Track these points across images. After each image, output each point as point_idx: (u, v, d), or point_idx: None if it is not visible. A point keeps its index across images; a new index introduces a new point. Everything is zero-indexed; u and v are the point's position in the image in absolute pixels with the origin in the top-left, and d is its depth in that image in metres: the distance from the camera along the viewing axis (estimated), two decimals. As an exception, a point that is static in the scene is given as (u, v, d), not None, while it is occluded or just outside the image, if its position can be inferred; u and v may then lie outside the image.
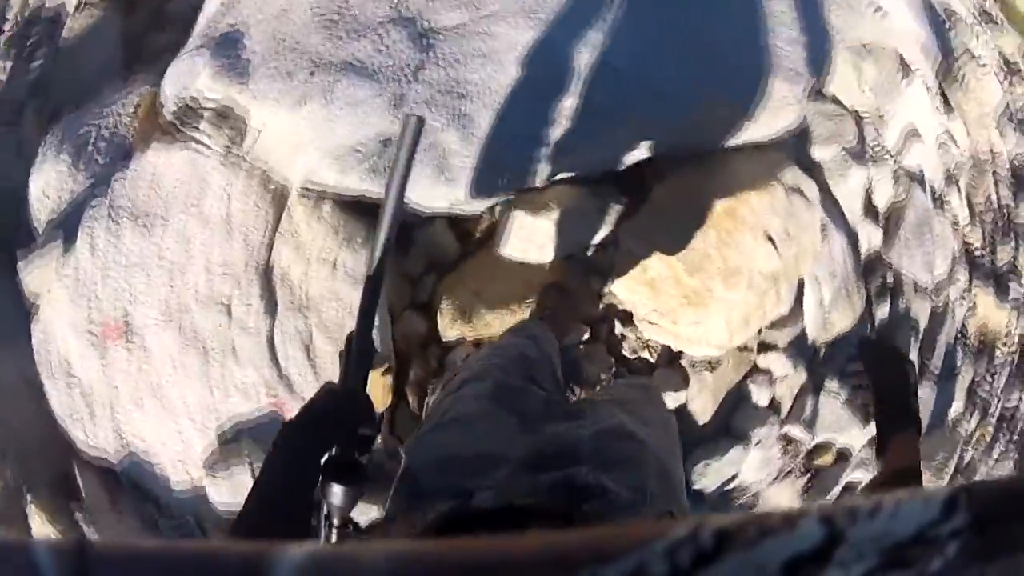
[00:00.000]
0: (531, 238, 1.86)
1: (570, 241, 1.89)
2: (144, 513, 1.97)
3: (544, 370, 1.29)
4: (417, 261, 1.99)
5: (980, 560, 0.24)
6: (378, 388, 1.97)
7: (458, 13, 1.70)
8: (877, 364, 1.16)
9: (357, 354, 0.95)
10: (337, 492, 0.96)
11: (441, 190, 1.66)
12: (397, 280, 1.94)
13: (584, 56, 1.68)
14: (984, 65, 2.26)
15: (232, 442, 1.89)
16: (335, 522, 0.95)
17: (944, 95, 2.22)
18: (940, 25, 2.20)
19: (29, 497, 1.84)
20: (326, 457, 0.93)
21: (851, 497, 0.29)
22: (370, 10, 1.69)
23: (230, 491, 1.85)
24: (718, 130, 1.83)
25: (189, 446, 1.87)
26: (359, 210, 1.77)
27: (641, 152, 1.80)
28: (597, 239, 1.93)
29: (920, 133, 2.17)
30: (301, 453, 0.92)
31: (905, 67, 2.11)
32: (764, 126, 1.83)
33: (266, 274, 1.81)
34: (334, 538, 0.96)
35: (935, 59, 2.14)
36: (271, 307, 1.79)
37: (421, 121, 0.85)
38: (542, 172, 1.73)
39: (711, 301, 1.84)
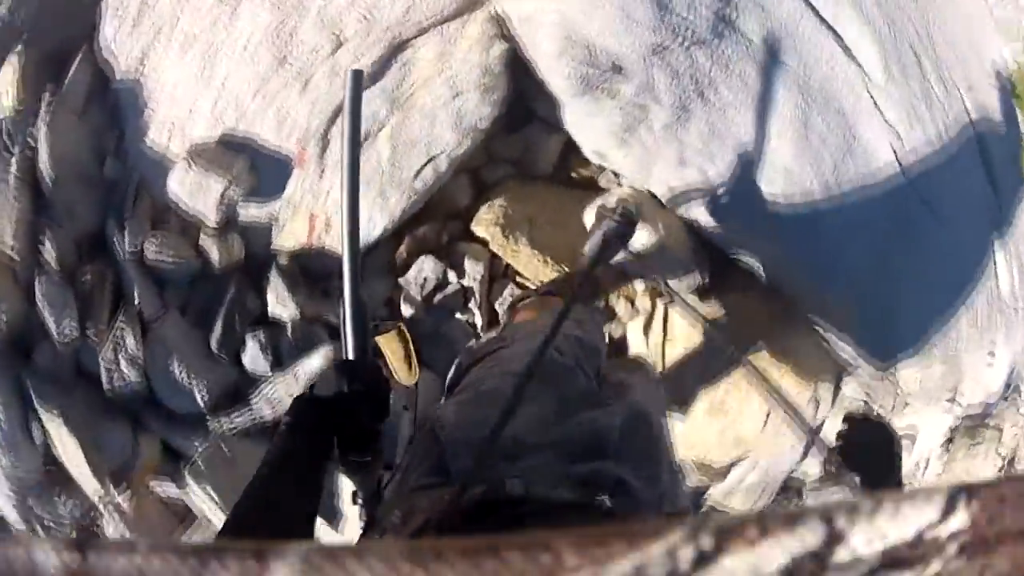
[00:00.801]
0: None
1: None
2: (101, 140, 2.18)
3: (592, 358, 1.33)
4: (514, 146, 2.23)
5: (980, 560, 0.24)
6: (397, 358, 2.10)
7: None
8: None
9: (352, 314, 0.99)
10: (351, 463, 1.02)
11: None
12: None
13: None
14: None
15: (231, 150, 2.06)
16: (359, 497, 1.00)
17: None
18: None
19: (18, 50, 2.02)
20: (342, 432, 0.99)
21: (852, 498, 0.24)
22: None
23: (189, 190, 2.09)
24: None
25: (193, 120, 2.04)
26: (514, 76, 1.92)
27: (771, 272, 2.03)
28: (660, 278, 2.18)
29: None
30: (312, 429, 0.96)
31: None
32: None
33: (397, 48, 1.92)
34: (362, 512, 1.03)
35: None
36: (373, 77, 1.92)
37: (359, 74, 0.95)
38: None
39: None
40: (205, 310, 2.26)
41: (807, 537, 0.24)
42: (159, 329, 2.24)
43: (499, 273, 2.28)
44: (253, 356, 2.21)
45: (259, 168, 2.12)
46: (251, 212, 2.16)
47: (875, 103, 1.70)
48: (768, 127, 1.73)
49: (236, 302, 2.20)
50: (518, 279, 2.27)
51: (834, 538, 0.24)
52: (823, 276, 1.91)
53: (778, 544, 0.24)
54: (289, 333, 2.17)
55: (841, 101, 1.68)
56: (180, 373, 2.22)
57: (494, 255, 2.25)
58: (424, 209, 2.18)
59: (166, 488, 2.53)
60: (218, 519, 2.25)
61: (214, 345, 2.22)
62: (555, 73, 1.74)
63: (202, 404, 2.25)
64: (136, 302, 2.22)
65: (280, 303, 2.13)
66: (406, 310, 2.23)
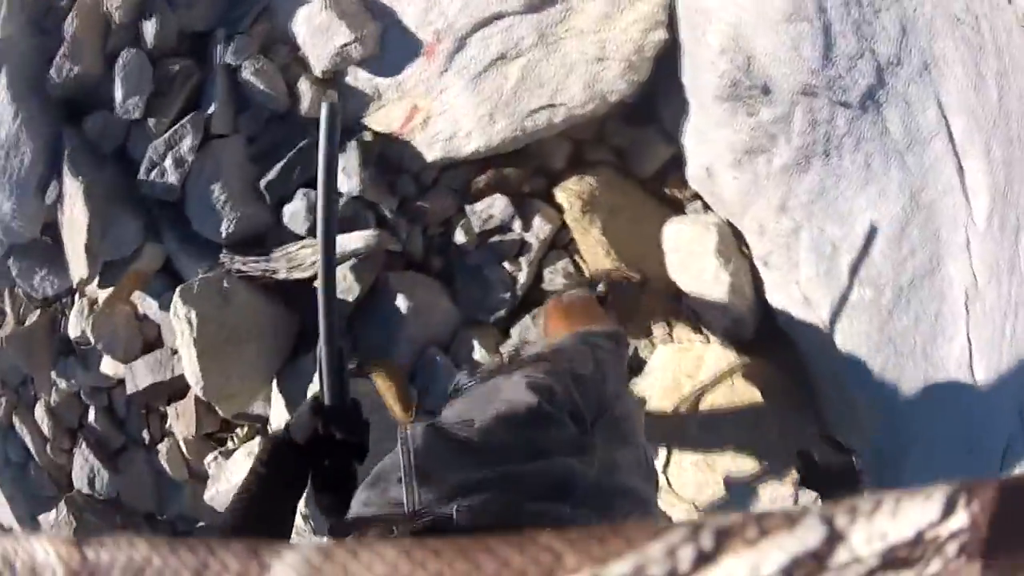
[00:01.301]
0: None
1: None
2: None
3: (589, 397, 1.30)
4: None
5: (980, 560, 0.24)
6: (392, 395, 2.28)
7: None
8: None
9: (327, 360, 1.03)
10: (325, 503, 1.09)
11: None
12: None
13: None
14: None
15: (370, 11, 2.26)
16: (326, 528, 1.04)
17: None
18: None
19: None
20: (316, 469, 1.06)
21: (852, 497, 0.27)
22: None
23: (314, 30, 2.27)
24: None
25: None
26: (657, 69, 2.06)
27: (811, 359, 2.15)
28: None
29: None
30: (287, 472, 1.03)
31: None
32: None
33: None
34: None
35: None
36: (532, 7, 2.06)
37: (335, 107, 0.95)
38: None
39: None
40: (270, 150, 2.34)
41: (807, 537, 0.25)
42: (219, 146, 2.33)
43: (561, 244, 2.38)
44: (295, 212, 2.30)
45: (387, 41, 2.21)
46: (359, 78, 2.26)
47: (968, 243, 1.75)
48: (870, 214, 1.79)
49: (304, 154, 2.28)
50: (576, 257, 2.36)
51: (834, 538, 0.25)
52: (854, 381, 1.97)
53: (778, 544, 0.25)
54: (339, 205, 2.25)
55: (940, 225, 1.74)
56: (218, 195, 2.31)
57: (564, 225, 2.34)
58: (518, 152, 2.28)
59: (148, 305, 2.59)
60: (187, 353, 2.32)
61: (263, 184, 2.31)
62: (709, 68, 1.82)
63: (223, 234, 2.34)
64: (210, 111, 2.31)
65: (345, 174, 2.22)
66: (459, 236, 2.33)
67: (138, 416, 2.85)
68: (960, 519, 0.25)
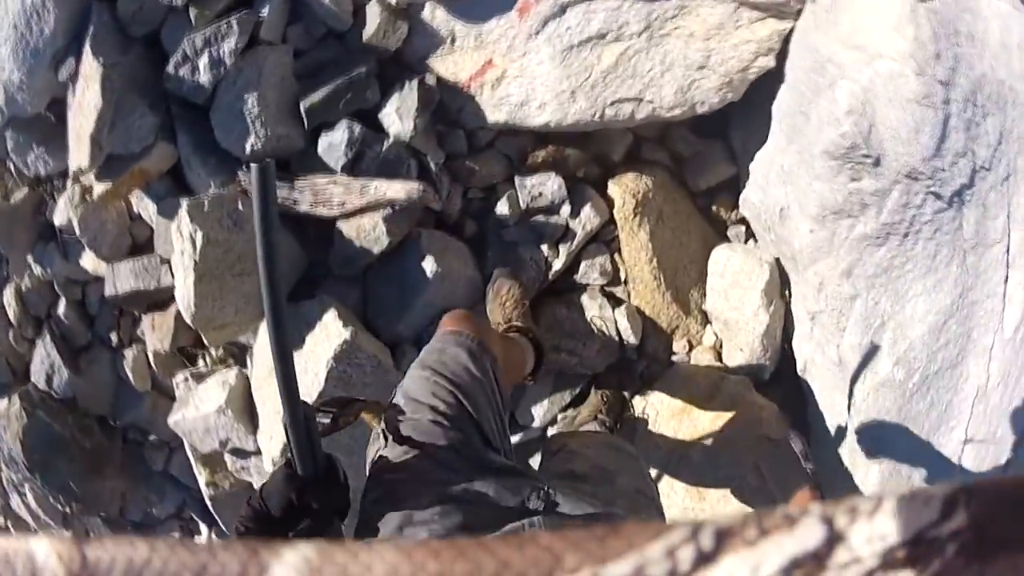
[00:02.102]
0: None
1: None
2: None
3: (487, 420, 1.41)
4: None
5: (979, 561, 0.26)
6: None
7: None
8: None
9: (292, 429, 1.04)
10: None
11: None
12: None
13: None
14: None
15: None
16: None
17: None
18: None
19: None
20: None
21: (851, 497, 0.29)
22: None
23: None
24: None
25: None
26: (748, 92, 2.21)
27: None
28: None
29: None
30: (271, 534, 1.11)
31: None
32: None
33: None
34: None
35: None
36: None
37: (268, 166, 0.90)
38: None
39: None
40: (320, 70, 2.39)
41: (807, 537, 0.27)
42: (263, 54, 2.34)
43: (603, 238, 2.51)
44: (333, 143, 2.34)
45: None
46: (436, 16, 2.34)
47: (992, 346, 1.94)
48: (923, 301, 1.98)
49: (357, 83, 2.31)
50: (616, 256, 2.51)
51: (834, 538, 0.27)
52: (864, 448, 2.16)
53: (778, 544, 0.26)
54: (384, 147, 2.32)
55: (975, 325, 1.94)
56: (251, 107, 2.33)
57: (611, 220, 2.48)
58: (581, 135, 2.42)
59: (146, 206, 2.59)
60: (182, 274, 2.36)
61: (304, 106, 2.34)
62: (831, 124, 1.95)
63: (247, 150, 2.36)
64: (261, 15, 2.32)
65: (398, 115, 2.30)
66: (501, 207, 2.44)
67: (110, 316, 2.92)
68: (959, 520, 0.26)
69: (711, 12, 2.09)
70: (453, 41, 2.32)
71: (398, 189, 2.27)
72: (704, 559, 0.27)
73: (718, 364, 2.43)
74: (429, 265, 2.34)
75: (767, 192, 2.30)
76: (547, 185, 2.38)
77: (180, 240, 2.31)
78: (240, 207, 2.33)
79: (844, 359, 2.14)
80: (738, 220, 2.51)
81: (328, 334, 2.33)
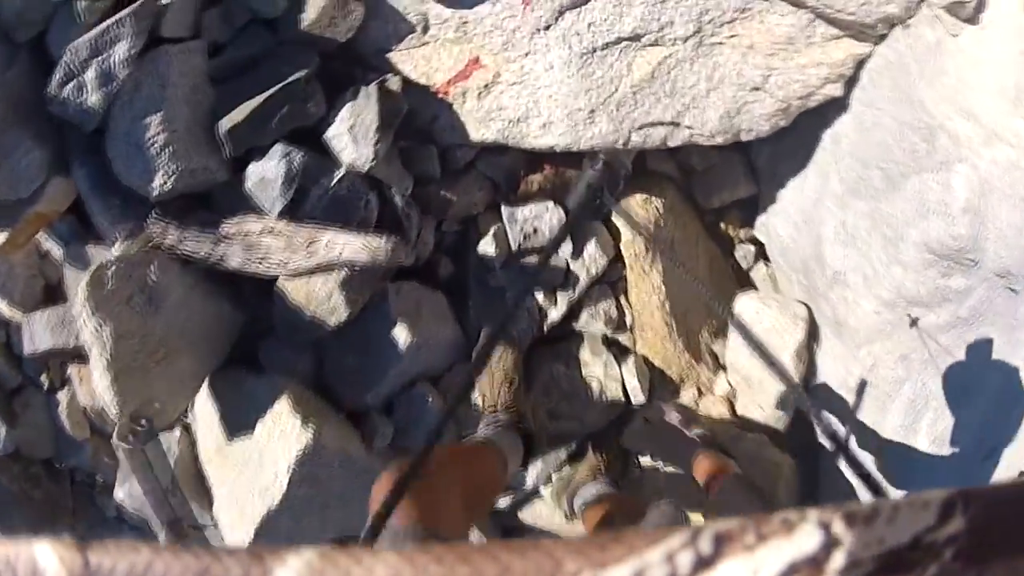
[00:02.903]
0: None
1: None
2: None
3: None
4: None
5: (976, 565, 0.31)
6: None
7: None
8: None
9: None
10: None
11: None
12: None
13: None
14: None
15: None
16: None
17: None
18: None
19: None
20: None
21: (848, 503, 0.36)
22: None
23: None
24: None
25: None
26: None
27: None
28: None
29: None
30: None
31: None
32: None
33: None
34: None
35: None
36: None
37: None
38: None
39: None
40: (244, 71, 2.30)
41: (804, 542, 0.32)
42: (167, 57, 2.23)
43: (610, 278, 2.58)
44: (266, 177, 2.26)
45: None
46: None
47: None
48: (962, 406, 2.12)
49: (294, 92, 2.25)
50: (621, 299, 2.59)
51: (831, 543, 0.31)
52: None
53: (776, 550, 0.31)
54: (334, 181, 2.28)
55: (1014, 434, 2.09)
56: (154, 133, 2.21)
57: (618, 255, 2.56)
58: (574, 152, 2.45)
59: (52, 245, 2.68)
60: (98, 372, 2.28)
61: (224, 128, 2.23)
62: (942, 218, 2.03)
63: (155, 191, 2.26)
64: (165, 1, 2.19)
65: (351, 135, 2.24)
66: (485, 245, 2.48)
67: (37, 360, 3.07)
68: (956, 525, 0.32)
69: (780, 21, 2.11)
70: (426, 29, 2.30)
71: (357, 247, 2.22)
72: (703, 564, 0.32)
73: (731, 418, 2.57)
74: (401, 335, 2.38)
75: (802, 232, 2.42)
76: (544, 218, 2.43)
77: (87, 332, 2.25)
78: (154, 275, 2.29)
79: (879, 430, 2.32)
80: (747, 239, 2.67)
81: (284, 431, 2.36)
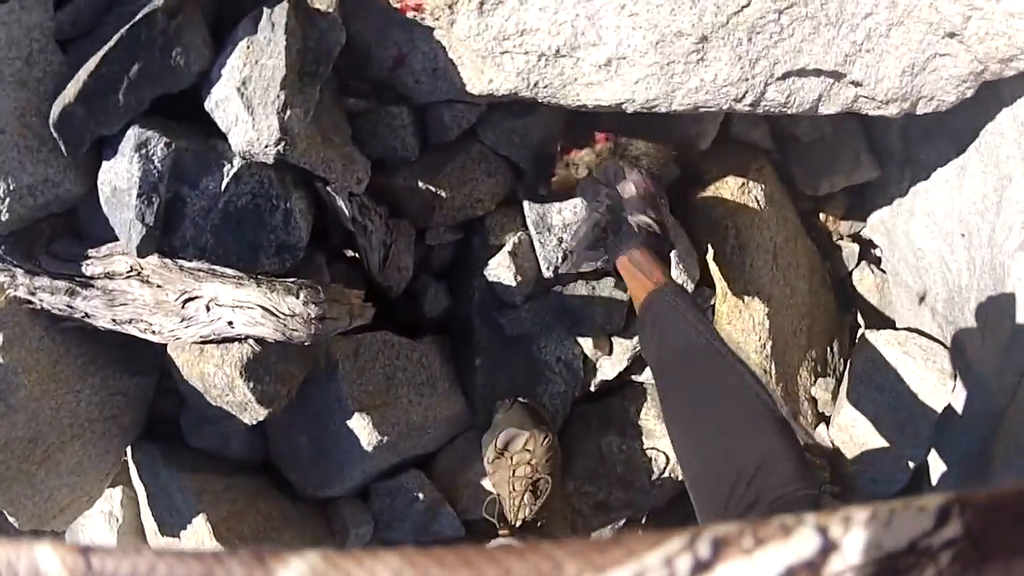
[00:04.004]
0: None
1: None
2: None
3: None
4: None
5: (974, 569, 0.42)
6: None
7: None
8: None
9: None
10: None
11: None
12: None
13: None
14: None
15: None
16: None
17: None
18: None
19: None
20: None
21: (846, 507, 0.42)
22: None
23: None
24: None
25: None
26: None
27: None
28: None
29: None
30: None
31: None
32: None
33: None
34: None
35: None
36: None
37: None
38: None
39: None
40: (103, 19, 2.22)
41: (802, 547, 0.41)
42: None
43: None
44: (117, 184, 2.12)
45: None
46: None
47: None
48: None
49: (154, 30, 2.03)
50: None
51: (829, 547, 0.42)
52: None
53: (773, 554, 0.41)
54: (226, 180, 2.08)
55: None
56: None
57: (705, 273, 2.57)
58: (651, 114, 2.34)
59: None
60: None
61: (55, 116, 2.04)
62: None
63: None
64: None
65: (244, 96, 1.99)
66: (497, 267, 2.28)
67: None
68: (954, 528, 0.42)
69: None
70: None
71: (255, 316, 2.04)
72: (701, 567, 0.41)
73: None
74: (363, 430, 2.30)
75: (958, 250, 2.35)
76: (596, 209, 2.48)
77: None
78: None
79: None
80: (850, 236, 2.72)
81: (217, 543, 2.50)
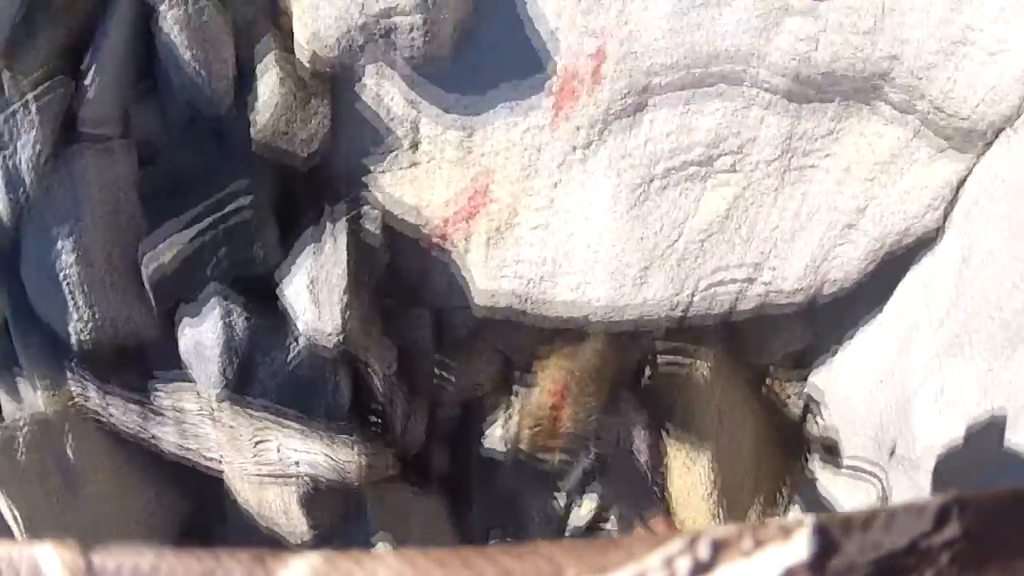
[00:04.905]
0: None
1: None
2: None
3: None
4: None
5: (972, 569, 0.39)
6: None
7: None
8: None
9: None
10: None
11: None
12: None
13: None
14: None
15: None
16: None
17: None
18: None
19: None
20: None
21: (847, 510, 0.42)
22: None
23: None
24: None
25: None
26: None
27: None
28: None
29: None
30: None
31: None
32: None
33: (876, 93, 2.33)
34: None
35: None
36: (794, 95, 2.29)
37: None
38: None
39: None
40: (182, 184, 2.38)
41: (801, 548, 0.40)
42: (85, 159, 2.31)
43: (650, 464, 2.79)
44: (202, 343, 2.33)
45: (477, 36, 2.28)
46: (385, 92, 2.34)
47: None
48: None
49: (238, 228, 2.31)
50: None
51: (829, 548, 0.40)
52: None
53: (773, 555, 0.40)
54: (291, 354, 2.35)
55: None
56: (66, 263, 2.32)
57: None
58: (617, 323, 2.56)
59: None
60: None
61: (149, 273, 2.31)
62: None
63: (73, 337, 2.39)
64: (88, 81, 2.27)
65: (313, 293, 2.27)
66: (494, 438, 2.61)
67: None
68: (952, 530, 0.40)
69: (883, 132, 2.25)
70: (415, 144, 2.37)
71: (319, 459, 2.28)
72: (701, 569, 0.40)
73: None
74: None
75: (877, 396, 2.49)
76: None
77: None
78: (72, 448, 2.36)
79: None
80: (796, 394, 2.84)
81: None
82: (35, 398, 2.51)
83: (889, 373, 2.47)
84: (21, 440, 2.26)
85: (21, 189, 2.24)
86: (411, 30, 2.07)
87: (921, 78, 2.23)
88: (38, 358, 2.44)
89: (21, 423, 2.30)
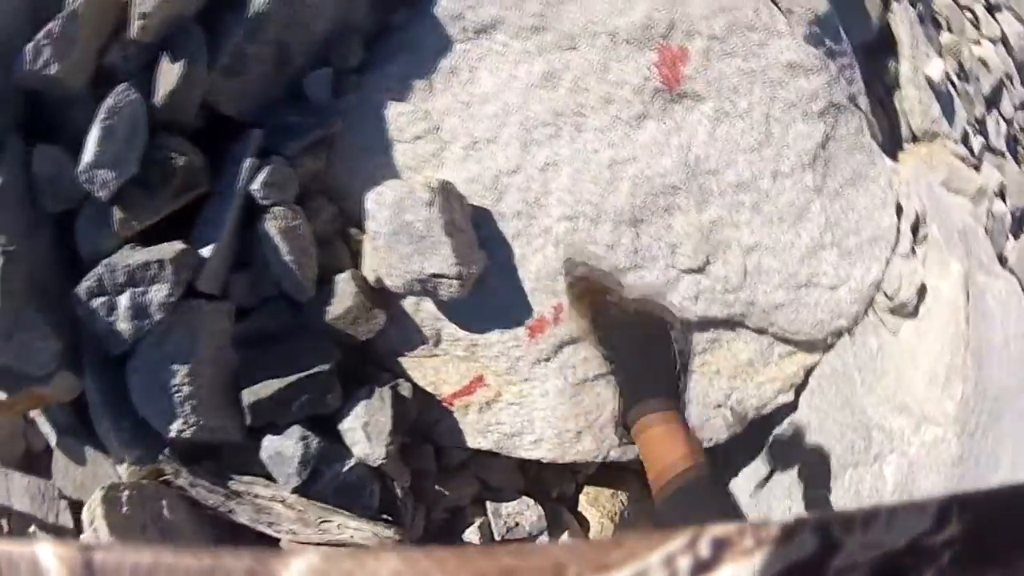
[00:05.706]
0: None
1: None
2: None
3: None
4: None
5: (973, 569, 0.42)
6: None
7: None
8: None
9: None
10: None
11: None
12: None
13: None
14: None
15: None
16: None
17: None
18: None
19: None
20: None
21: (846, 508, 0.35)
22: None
23: None
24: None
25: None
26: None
27: None
28: None
29: None
30: None
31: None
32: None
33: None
34: None
35: None
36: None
37: None
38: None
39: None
40: (265, 342, 2.75)
41: (802, 547, 0.43)
42: (200, 313, 2.63)
43: None
44: (283, 454, 2.67)
45: (485, 287, 2.92)
46: (423, 309, 2.91)
47: None
48: None
49: (317, 383, 2.72)
50: None
51: (829, 547, 0.43)
52: None
53: (774, 554, 0.43)
54: (346, 468, 2.85)
55: None
56: (179, 381, 2.59)
57: None
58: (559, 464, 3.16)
59: (43, 423, 3.02)
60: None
61: (248, 400, 2.66)
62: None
63: (172, 432, 2.62)
64: (205, 254, 2.65)
65: (365, 432, 2.77)
66: (470, 535, 3.11)
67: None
68: (953, 529, 0.42)
69: (744, 347, 2.74)
70: (437, 343, 2.83)
71: (368, 535, 2.70)
72: (702, 568, 0.44)
73: None
74: None
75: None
76: (526, 515, 2.99)
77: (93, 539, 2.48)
78: (167, 512, 2.64)
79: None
80: None
81: None
82: (108, 467, 2.85)
83: (758, 502, 2.96)
84: (124, 499, 2.57)
85: (147, 320, 2.52)
86: (451, 287, 2.62)
87: (770, 314, 2.78)
88: (131, 440, 2.77)
89: (121, 486, 2.60)
